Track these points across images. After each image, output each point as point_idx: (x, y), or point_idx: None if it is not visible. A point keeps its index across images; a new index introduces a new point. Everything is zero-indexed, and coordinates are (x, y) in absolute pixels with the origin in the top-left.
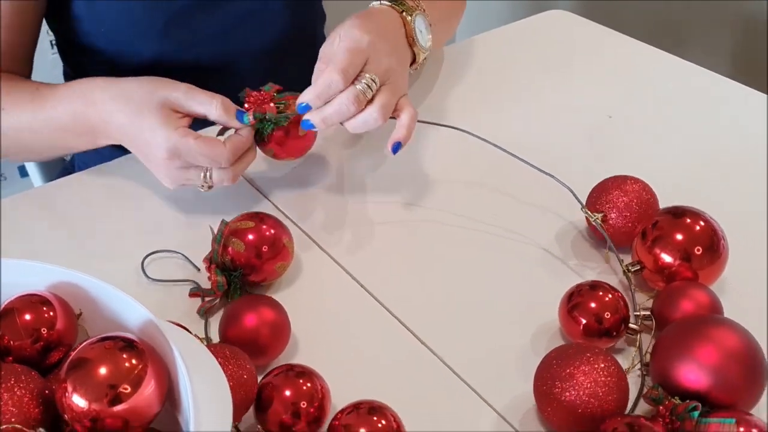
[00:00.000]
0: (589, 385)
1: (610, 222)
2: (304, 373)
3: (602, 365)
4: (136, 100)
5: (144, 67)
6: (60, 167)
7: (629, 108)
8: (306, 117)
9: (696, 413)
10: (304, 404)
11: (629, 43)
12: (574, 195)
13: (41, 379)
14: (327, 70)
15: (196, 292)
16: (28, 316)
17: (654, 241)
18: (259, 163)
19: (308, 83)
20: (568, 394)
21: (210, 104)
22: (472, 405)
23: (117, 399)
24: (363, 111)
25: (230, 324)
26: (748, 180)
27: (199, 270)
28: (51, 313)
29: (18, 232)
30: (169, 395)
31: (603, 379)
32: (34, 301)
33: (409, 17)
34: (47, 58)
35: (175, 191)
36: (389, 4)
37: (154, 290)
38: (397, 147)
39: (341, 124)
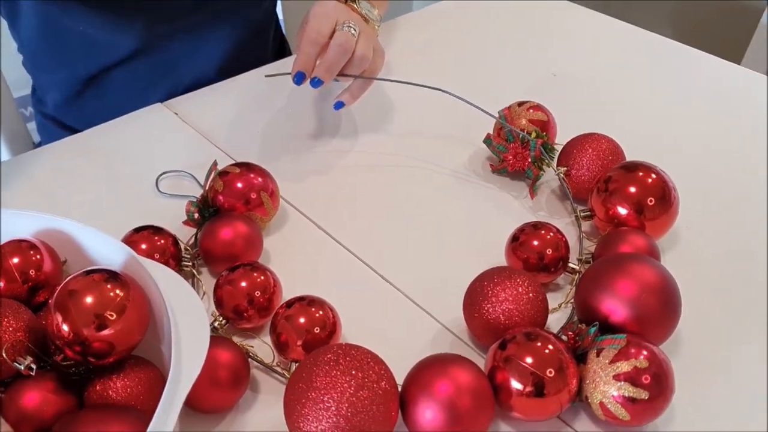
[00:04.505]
0: (504, 302)
1: (572, 176)
2: (259, 268)
3: (520, 286)
4: None
5: (121, 58)
6: (30, 149)
7: (572, 67)
8: (314, 75)
9: (593, 329)
10: (257, 293)
11: (578, 9)
12: (527, 138)
13: (31, 313)
14: (304, 34)
15: (188, 221)
16: (16, 259)
17: (608, 194)
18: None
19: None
20: (485, 307)
21: None
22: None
23: (103, 325)
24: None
25: (207, 236)
26: (680, 137)
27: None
28: (38, 257)
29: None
30: (152, 328)
31: (517, 297)
32: (22, 246)
33: (354, 3)
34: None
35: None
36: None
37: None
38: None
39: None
